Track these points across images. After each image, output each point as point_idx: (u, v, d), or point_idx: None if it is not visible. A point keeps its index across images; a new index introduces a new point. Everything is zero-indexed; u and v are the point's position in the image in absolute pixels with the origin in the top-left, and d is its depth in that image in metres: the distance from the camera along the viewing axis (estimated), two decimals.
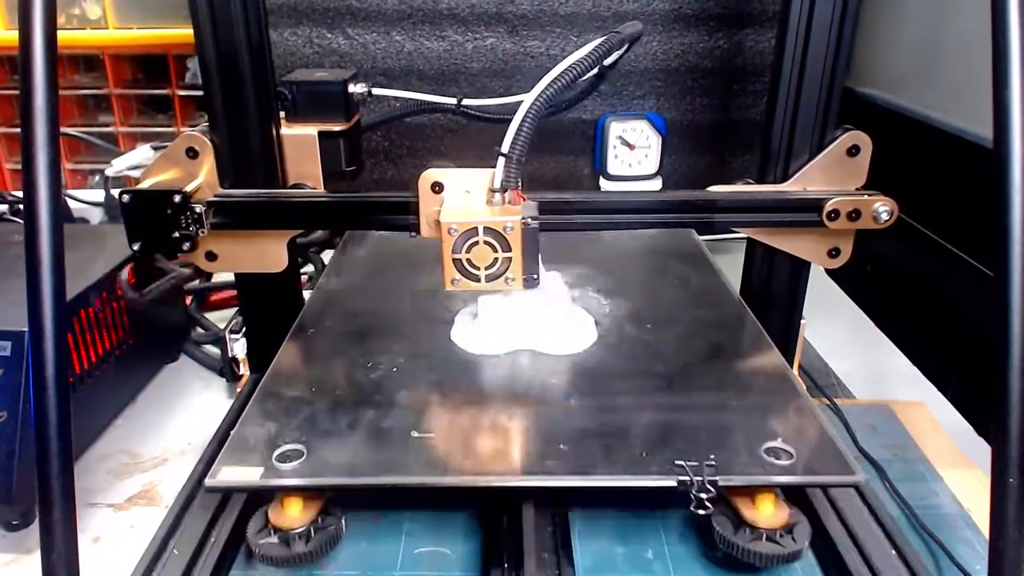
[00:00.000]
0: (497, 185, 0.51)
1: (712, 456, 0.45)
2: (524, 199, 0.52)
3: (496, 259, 0.51)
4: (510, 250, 0.51)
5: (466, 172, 0.53)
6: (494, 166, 0.51)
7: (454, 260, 0.51)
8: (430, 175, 0.53)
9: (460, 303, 0.64)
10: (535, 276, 0.52)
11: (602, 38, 0.52)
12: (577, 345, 0.59)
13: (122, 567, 0.47)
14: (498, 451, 0.47)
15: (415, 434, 0.48)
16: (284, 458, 0.45)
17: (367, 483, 0.44)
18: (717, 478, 0.43)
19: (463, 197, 0.53)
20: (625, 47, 0.63)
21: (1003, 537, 0.35)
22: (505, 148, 0.50)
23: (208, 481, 0.44)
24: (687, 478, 0.43)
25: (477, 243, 0.51)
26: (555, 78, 0.50)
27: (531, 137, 0.50)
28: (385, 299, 0.66)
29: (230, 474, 0.44)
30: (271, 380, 0.54)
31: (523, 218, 0.50)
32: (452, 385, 0.54)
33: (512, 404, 0.52)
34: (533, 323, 0.58)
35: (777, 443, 0.46)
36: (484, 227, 0.50)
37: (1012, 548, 0.35)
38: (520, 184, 0.51)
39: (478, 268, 0.51)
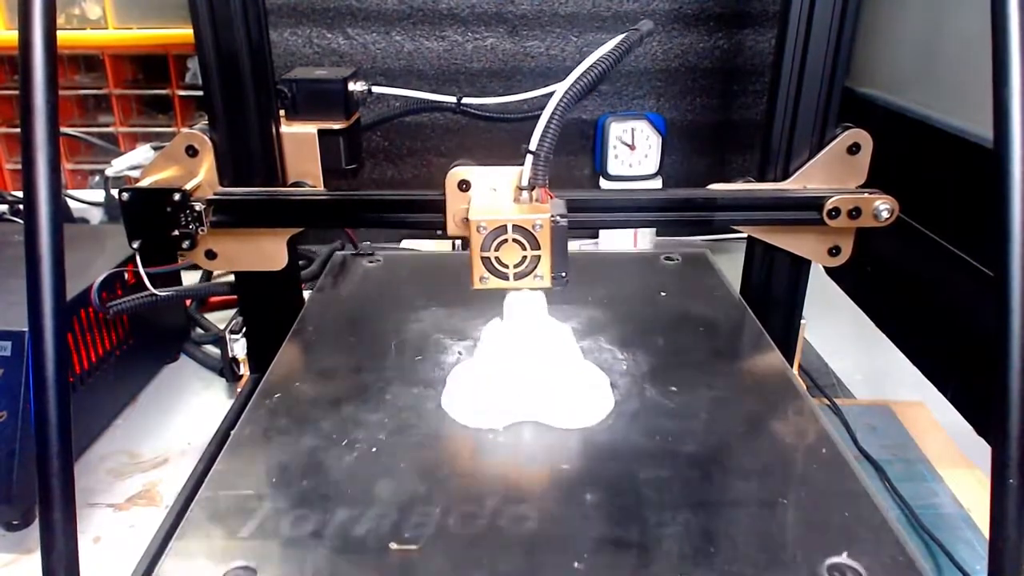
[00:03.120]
0: (525, 183, 0.51)
1: None
2: (552, 197, 0.52)
3: (525, 257, 0.51)
4: (539, 248, 0.50)
5: (493, 170, 0.52)
6: (517, 163, 0.51)
7: (483, 258, 0.51)
8: (457, 173, 0.53)
9: (454, 356, 0.56)
10: (564, 275, 0.52)
11: (622, 36, 0.52)
12: (590, 417, 0.50)
13: (122, 567, 0.47)
14: (498, 572, 0.38)
15: (393, 546, 0.39)
16: None
17: None
18: None
19: (491, 195, 0.53)
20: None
21: (1003, 537, 0.35)
22: (533, 145, 0.50)
23: None
24: None
25: (506, 241, 0.50)
26: (581, 75, 0.50)
27: (558, 135, 0.50)
28: (367, 352, 0.58)
29: None
30: (224, 467, 0.45)
31: (552, 216, 0.50)
32: (441, 472, 0.45)
33: (514, 500, 0.43)
34: (539, 388, 0.50)
35: (843, 559, 0.38)
36: (513, 225, 0.50)
37: (1012, 548, 0.35)
38: (547, 182, 0.51)
39: (507, 266, 0.51)
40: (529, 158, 0.50)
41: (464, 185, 0.54)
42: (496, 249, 0.50)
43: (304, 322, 0.62)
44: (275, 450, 0.47)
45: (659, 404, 0.51)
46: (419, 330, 0.60)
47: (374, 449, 0.47)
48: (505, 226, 0.50)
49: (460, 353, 0.57)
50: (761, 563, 0.38)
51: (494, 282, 0.51)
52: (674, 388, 0.53)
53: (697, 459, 0.46)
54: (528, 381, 0.51)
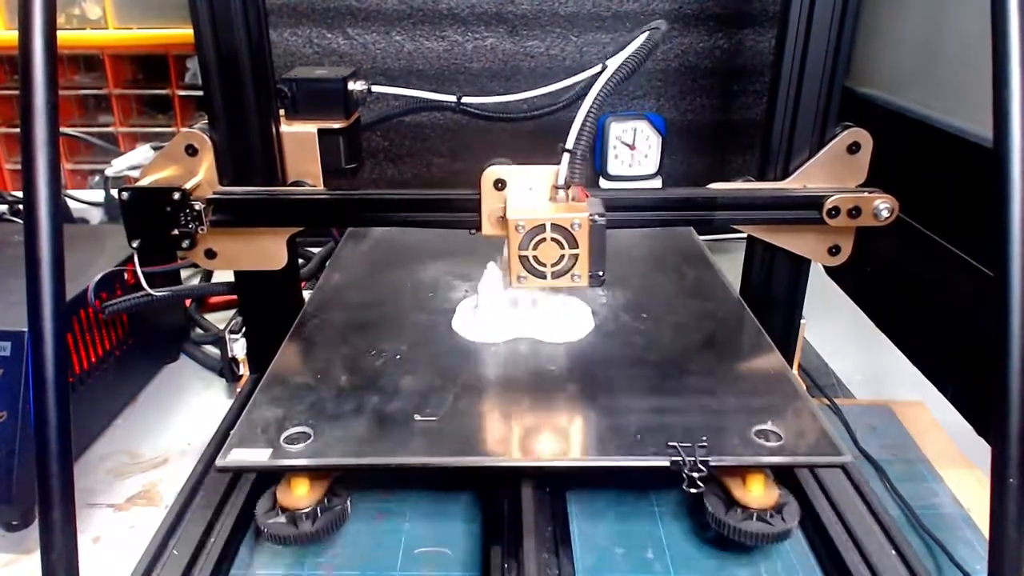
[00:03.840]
0: (561, 182, 0.51)
1: (704, 438, 0.46)
2: (588, 195, 0.52)
3: (563, 256, 0.51)
4: (577, 247, 0.51)
5: (529, 169, 0.53)
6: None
7: (521, 257, 0.51)
8: (493, 172, 0.53)
9: (461, 294, 0.65)
10: (601, 273, 0.52)
11: (644, 34, 0.52)
12: (574, 334, 0.60)
13: (122, 567, 0.47)
14: (498, 434, 0.48)
15: (417, 417, 0.49)
16: (291, 440, 0.47)
17: (371, 463, 0.46)
18: (709, 458, 0.45)
19: (527, 194, 0.53)
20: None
21: (1003, 537, 0.35)
22: (570, 144, 0.50)
23: (219, 462, 0.45)
24: (680, 458, 0.45)
25: (544, 240, 0.51)
26: (613, 73, 0.50)
27: (594, 133, 0.50)
28: (388, 291, 0.68)
29: (241, 455, 0.46)
30: (277, 368, 0.55)
31: (591, 215, 0.50)
32: (453, 372, 0.55)
33: (511, 390, 0.53)
34: (531, 312, 0.59)
35: (767, 426, 0.48)
36: (552, 224, 0.50)
37: (1012, 548, 0.35)
38: (584, 180, 0.51)
39: (544, 265, 0.51)
40: (566, 157, 0.50)
41: (500, 184, 0.53)
42: (534, 248, 0.51)
43: (334, 266, 0.73)
44: (319, 356, 0.57)
45: (632, 326, 0.62)
46: (431, 275, 0.70)
47: (398, 357, 0.57)
48: (543, 225, 0.50)
49: (466, 291, 0.66)
50: (705, 429, 0.48)
51: (533, 281, 0.52)
52: (645, 316, 0.63)
53: (658, 364, 0.56)
54: (522, 305, 0.59)
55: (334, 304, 0.65)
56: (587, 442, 0.48)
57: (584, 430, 0.49)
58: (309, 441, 0.47)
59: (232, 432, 0.48)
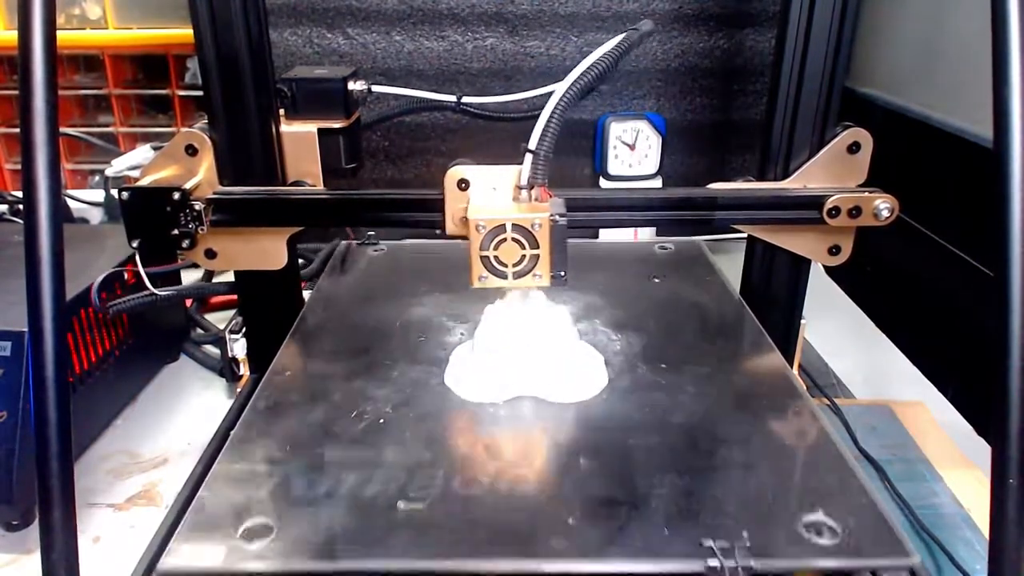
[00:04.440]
0: (524, 182, 0.51)
1: (745, 534, 0.40)
2: (551, 196, 0.52)
3: (524, 256, 0.51)
4: (538, 247, 0.50)
5: (493, 169, 0.52)
6: (517, 163, 0.51)
7: (482, 257, 0.51)
8: (456, 172, 0.53)
9: (456, 337, 0.59)
10: (563, 273, 0.52)
11: (622, 35, 0.52)
12: (585, 391, 0.53)
13: (122, 567, 0.47)
14: (497, 527, 0.41)
15: (401, 504, 0.42)
16: (250, 535, 0.40)
17: (344, 569, 0.39)
18: (752, 563, 0.38)
19: (490, 194, 0.53)
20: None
21: (1003, 537, 0.35)
22: (532, 144, 0.50)
23: (162, 564, 0.39)
24: (717, 564, 0.38)
25: (505, 240, 0.50)
26: (581, 74, 0.49)
27: (558, 134, 0.50)
28: (374, 334, 0.60)
29: (188, 556, 0.39)
30: (239, 436, 0.48)
31: (551, 215, 0.50)
32: (444, 441, 0.48)
33: (512, 466, 0.46)
34: (536, 365, 0.53)
35: (819, 516, 0.41)
36: (512, 224, 0.50)
37: (1012, 548, 0.35)
38: (547, 181, 0.51)
39: (506, 265, 0.51)
40: (528, 157, 0.50)
41: (463, 184, 0.54)
42: (495, 248, 0.50)
43: (313, 305, 0.65)
44: (289, 420, 0.50)
45: (651, 380, 0.54)
46: (422, 313, 0.63)
47: (381, 421, 0.50)
48: (504, 225, 0.50)
49: (462, 334, 0.60)
50: (745, 520, 0.41)
51: (493, 281, 0.51)
52: (664, 365, 0.56)
53: (684, 429, 0.49)
54: (526, 358, 0.53)
55: (312, 350, 0.59)
56: (603, 539, 0.40)
57: (599, 523, 0.41)
58: (271, 538, 0.40)
59: (182, 522, 0.41)
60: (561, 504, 0.42)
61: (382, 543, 0.40)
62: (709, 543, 0.39)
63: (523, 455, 0.47)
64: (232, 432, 0.49)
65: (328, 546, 0.40)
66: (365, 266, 0.74)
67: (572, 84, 0.49)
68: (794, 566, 0.39)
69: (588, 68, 0.50)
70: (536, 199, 0.51)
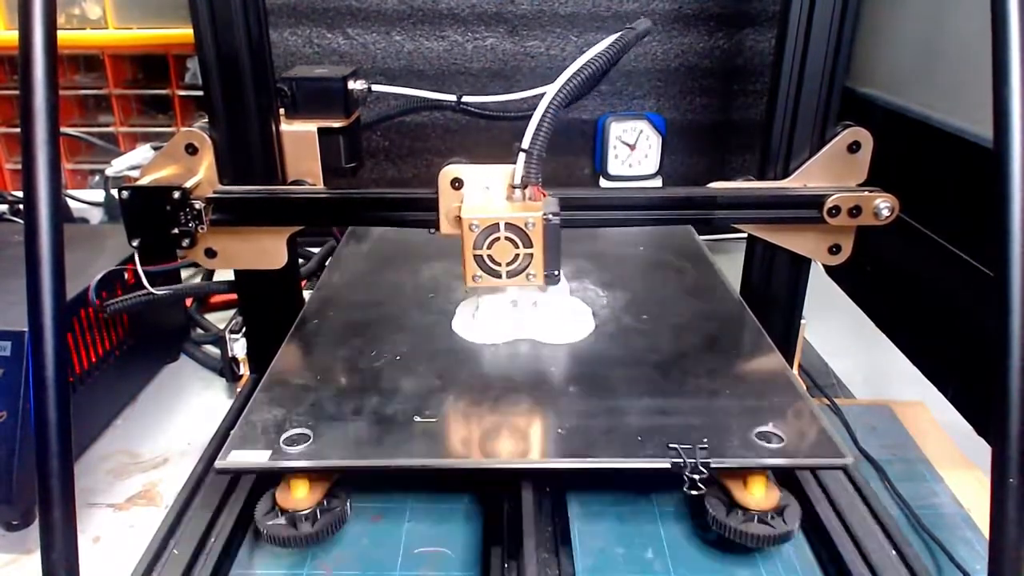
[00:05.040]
0: (518, 181, 0.51)
1: (705, 440, 0.46)
2: (544, 195, 0.52)
3: (517, 255, 0.51)
4: (531, 246, 0.51)
5: (486, 168, 0.53)
6: (513, 162, 0.51)
7: (475, 256, 0.51)
8: (450, 171, 0.53)
9: (462, 294, 0.65)
10: (556, 272, 0.52)
11: (617, 34, 0.52)
12: (574, 335, 0.59)
13: (122, 567, 0.47)
14: (498, 435, 0.48)
15: (417, 419, 0.49)
16: (291, 442, 0.47)
17: (371, 465, 0.46)
18: (710, 460, 0.45)
19: (483, 193, 0.53)
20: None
21: (1003, 537, 0.35)
22: (526, 144, 0.50)
23: (219, 463, 0.45)
24: (680, 460, 0.45)
25: (499, 239, 0.51)
26: (574, 74, 0.50)
27: (551, 133, 0.50)
28: (388, 292, 0.68)
29: (240, 456, 0.46)
30: (277, 368, 0.55)
31: (545, 214, 0.50)
32: (453, 373, 0.55)
33: (511, 391, 0.53)
34: (532, 313, 0.59)
35: (768, 427, 0.48)
36: (506, 223, 0.50)
37: (1012, 548, 0.35)
38: (540, 180, 0.51)
39: (499, 264, 0.51)
40: (522, 156, 0.50)
41: (457, 183, 0.54)
42: (489, 247, 0.51)
43: (333, 266, 0.73)
44: (318, 358, 0.57)
45: (633, 327, 0.61)
46: (431, 275, 0.70)
47: (398, 358, 0.56)
48: (497, 224, 0.50)
49: (466, 292, 0.65)
50: (706, 431, 0.47)
51: (487, 280, 0.52)
52: (645, 316, 0.63)
53: (658, 365, 0.56)
54: (522, 306, 0.59)
55: (334, 305, 0.65)
56: (587, 443, 0.48)
57: (584, 431, 0.49)
58: (308, 443, 0.47)
59: (231, 433, 0.48)
60: (553, 417, 0.50)
61: (402, 446, 0.46)
62: (674, 446, 0.46)
63: (521, 382, 0.54)
64: (271, 365, 0.55)
65: (357, 447, 0.46)
66: (378, 236, 0.80)
67: (564, 84, 0.49)
68: (744, 464, 0.46)
69: (581, 68, 0.50)
70: (530, 198, 0.51)
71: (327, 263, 0.75)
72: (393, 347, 0.58)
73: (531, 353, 0.58)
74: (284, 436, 0.47)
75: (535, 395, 0.52)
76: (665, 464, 0.45)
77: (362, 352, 0.57)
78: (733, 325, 0.62)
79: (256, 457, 0.46)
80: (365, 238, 0.80)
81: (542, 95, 0.61)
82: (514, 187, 0.51)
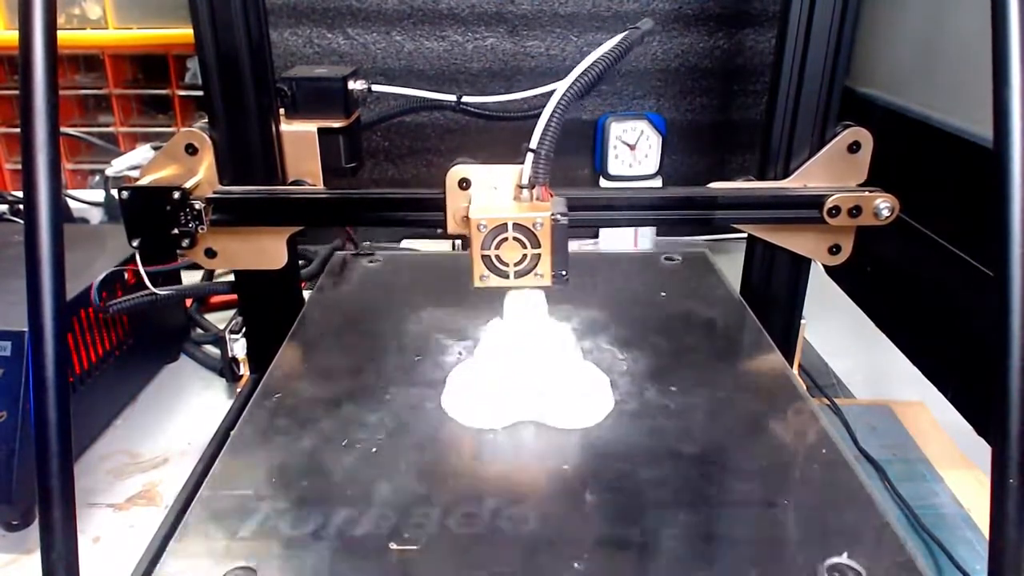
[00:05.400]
0: (525, 181, 0.51)
1: None
2: (552, 195, 0.52)
3: (525, 255, 0.51)
4: (539, 246, 0.50)
5: (494, 168, 0.52)
6: (516, 162, 0.51)
7: (483, 257, 0.51)
8: (457, 171, 0.53)
9: (453, 356, 0.56)
10: (564, 273, 0.51)
11: (622, 34, 0.52)
12: (590, 416, 0.50)
13: (122, 567, 0.47)
14: (498, 572, 0.38)
15: (393, 546, 0.39)
16: None
17: None
18: None
19: (491, 193, 0.53)
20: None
21: (1003, 537, 0.35)
22: (534, 144, 0.50)
23: None
24: None
25: (506, 239, 0.50)
26: (581, 73, 0.49)
27: (559, 132, 0.50)
28: (367, 352, 0.58)
29: None
30: (222, 471, 0.45)
31: (553, 214, 0.50)
32: (440, 473, 0.45)
33: (513, 502, 0.43)
34: (538, 388, 0.50)
35: (843, 560, 0.38)
36: (514, 223, 0.50)
37: (1012, 548, 0.35)
38: (548, 180, 0.51)
39: (507, 265, 0.51)
40: (529, 156, 0.50)
41: (464, 183, 0.54)
42: (496, 247, 0.50)
43: (304, 322, 0.62)
44: (275, 450, 0.47)
45: (660, 404, 0.51)
46: (419, 330, 0.60)
47: (374, 449, 0.47)
48: (505, 224, 0.50)
49: (460, 353, 0.57)
50: (764, 563, 0.38)
51: (494, 280, 0.51)
52: (674, 388, 0.53)
53: (696, 459, 0.46)
54: (528, 381, 0.50)
55: (302, 370, 0.56)
56: None
57: (609, 568, 0.38)
58: None
59: (158, 564, 0.39)
60: (566, 546, 0.39)
61: None
62: None
63: (524, 489, 0.44)
64: (214, 464, 0.46)
65: None
66: (360, 278, 0.71)
67: (573, 83, 0.49)
68: None
69: (589, 67, 0.50)
70: (537, 198, 0.51)
71: (301, 312, 0.63)
72: (368, 434, 0.48)
73: (537, 443, 0.48)
74: (224, 573, 0.38)
75: (542, 509, 0.42)
76: None
77: (330, 439, 0.47)
78: (781, 401, 0.51)
79: None
80: (341, 279, 0.70)
81: (542, 95, 0.61)
82: (521, 187, 0.51)
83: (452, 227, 0.55)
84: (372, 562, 0.38)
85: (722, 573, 0.38)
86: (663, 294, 0.66)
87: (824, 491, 0.43)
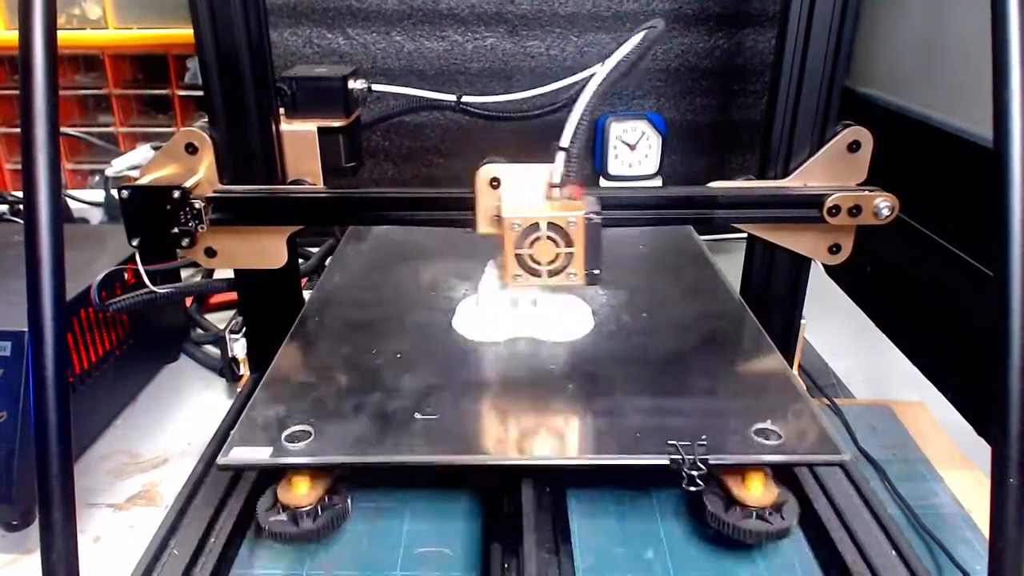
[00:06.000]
0: (557, 180, 0.51)
1: (704, 437, 0.46)
2: (583, 194, 0.52)
3: (558, 254, 0.51)
4: (572, 245, 0.51)
5: (525, 167, 0.53)
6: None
7: (516, 256, 0.51)
8: (488, 171, 0.53)
9: (461, 293, 0.66)
10: (597, 271, 0.52)
11: (641, 33, 0.52)
12: (574, 332, 0.60)
13: (122, 567, 0.47)
14: (498, 432, 0.49)
15: (418, 416, 0.49)
16: (293, 438, 0.47)
17: (372, 462, 0.46)
18: (708, 457, 0.45)
19: (522, 193, 0.53)
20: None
21: (1003, 537, 0.35)
22: (565, 142, 0.50)
23: (221, 460, 0.46)
24: (679, 457, 0.45)
25: (539, 238, 0.51)
26: (610, 71, 0.49)
27: (589, 131, 0.50)
28: (388, 291, 0.68)
29: (242, 453, 0.46)
30: (277, 366, 0.55)
31: (586, 213, 0.50)
32: (454, 370, 0.55)
33: (511, 388, 0.53)
34: (531, 311, 0.59)
35: (767, 424, 0.48)
36: (547, 223, 0.50)
37: (1012, 548, 0.35)
38: (580, 179, 0.51)
39: (540, 263, 0.51)
40: (561, 155, 0.50)
41: (495, 182, 0.53)
42: (530, 246, 0.51)
43: (334, 265, 0.73)
44: (319, 355, 0.57)
45: (632, 326, 0.61)
46: (432, 274, 0.70)
47: (399, 356, 0.57)
48: (539, 223, 0.50)
49: (466, 291, 0.66)
50: (704, 428, 0.48)
51: (528, 280, 0.52)
52: (644, 315, 0.63)
53: (657, 362, 0.56)
54: (522, 304, 0.59)
55: (334, 304, 0.65)
56: (587, 441, 0.48)
57: (584, 429, 0.49)
58: (310, 439, 0.47)
59: (233, 430, 0.48)
60: (553, 415, 0.50)
61: (403, 443, 0.47)
62: (673, 443, 0.45)
63: (521, 380, 0.54)
64: (272, 363, 0.55)
65: (358, 444, 0.46)
66: (380, 235, 0.80)
67: (603, 81, 0.49)
68: (742, 461, 0.46)
69: (616, 66, 0.50)
70: (569, 197, 0.52)
71: (327, 262, 0.75)
72: (393, 345, 0.58)
73: (531, 351, 0.58)
74: (286, 433, 0.47)
75: (535, 393, 0.53)
76: (664, 461, 0.45)
77: (362, 350, 0.57)
78: (732, 325, 0.62)
79: (258, 454, 0.46)
80: (365, 238, 0.80)
81: (543, 95, 0.61)
82: (553, 186, 0.51)
83: (482, 226, 0.55)
84: (402, 428, 0.48)
85: (675, 434, 0.47)
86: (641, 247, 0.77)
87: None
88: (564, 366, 0.56)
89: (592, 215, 0.50)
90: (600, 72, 0.50)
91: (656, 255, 0.76)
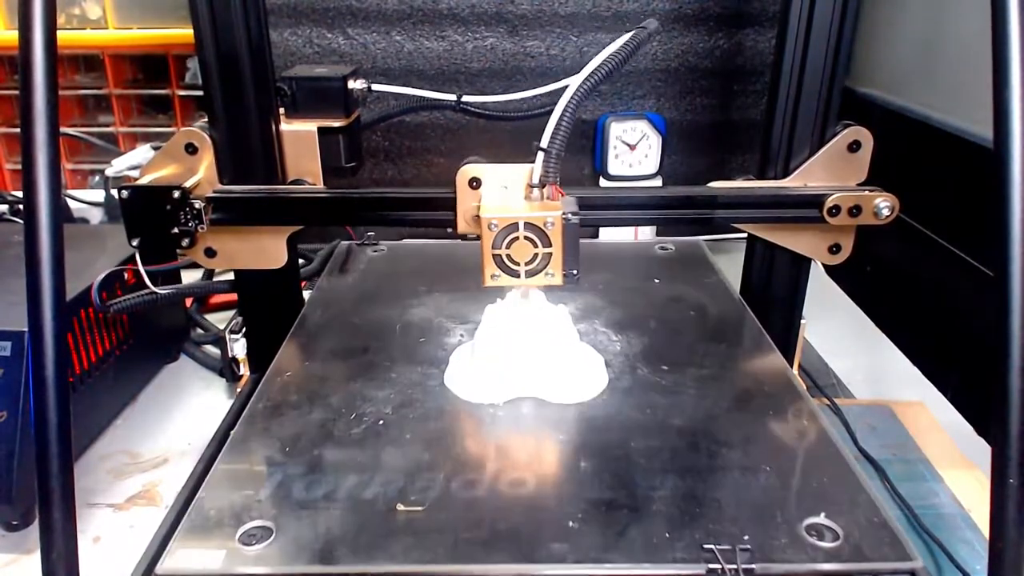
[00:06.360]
0: (536, 180, 0.51)
1: (746, 537, 0.40)
2: (563, 194, 0.52)
3: (536, 254, 0.51)
4: (550, 245, 0.51)
5: (504, 167, 0.53)
6: (521, 161, 0.51)
7: (494, 256, 0.51)
8: (468, 171, 0.53)
9: (455, 338, 0.59)
10: (575, 272, 0.52)
11: (630, 33, 0.52)
12: (586, 392, 0.53)
13: (122, 567, 0.47)
14: (497, 531, 0.41)
15: (400, 507, 0.42)
16: (250, 537, 0.40)
17: (343, 573, 0.39)
18: (754, 566, 0.38)
19: (502, 193, 0.53)
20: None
21: (1003, 537, 0.35)
22: (544, 143, 0.50)
23: (160, 568, 0.39)
24: (718, 566, 0.38)
25: (517, 239, 0.51)
26: (591, 72, 0.50)
27: (570, 132, 0.50)
28: (373, 334, 0.61)
29: (187, 559, 0.39)
30: (241, 436, 0.49)
31: (564, 213, 0.50)
32: (444, 443, 0.48)
33: (513, 469, 0.46)
34: (535, 365, 0.53)
35: (820, 519, 0.41)
36: (525, 223, 0.50)
37: (1012, 548, 0.35)
38: (559, 179, 0.51)
39: (518, 264, 0.51)
40: (540, 155, 0.50)
41: (475, 183, 0.54)
42: (508, 247, 0.51)
43: (312, 306, 0.65)
44: (288, 423, 0.50)
45: (651, 381, 0.54)
46: (422, 314, 0.63)
47: (381, 422, 0.50)
48: (517, 223, 0.50)
49: (462, 336, 0.60)
50: (746, 522, 0.41)
51: (505, 279, 0.52)
52: (665, 367, 0.56)
53: (685, 431, 0.49)
54: (525, 357, 0.53)
55: (312, 350, 0.59)
56: (605, 542, 0.40)
57: (600, 527, 0.41)
58: (270, 540, 0.40)
59: (180, 526, 0.41)
60: (562, 507, 0.42)
61: (381, 546, 0.39)
62: (710, 545, 0.39)
63: (523, 457, 0.47)
64: (231, 433, 0.49)
65: (327, 550, 0.39)
66: (365, 266, 0.74)
67: (583, 82, 0.49)
68: (795, 569, 0.38)
69: (598, 67, 0.50)
70: (548, 197, 0.52)
71: (308, 299, 0.67)
72: (376, 408, 0.51)
73: (535, 416, 0.51)
74: (241, 530, 0.40)
75: (541, 475, 0.45)
76: (700, 571, 0.38)
77: (340, 413, 0.50)
78: (766, 377, 0.54)
79: (208, 560, 0.39)
80: (350, 269, 0.73)
81: (543, 95, 0.61)
82: (532, 186, 0.51)
83: (462, 226, 0.55)
84: (380, 521, 0.41)
85: (712, 530, 0.40)
86: (656, 280, 0.70)
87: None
88: (575, 435, 0.49)
89: (570, 215, 0.50)
90: (583, 72, 0.50)
91: (672, 290, 0.68)
